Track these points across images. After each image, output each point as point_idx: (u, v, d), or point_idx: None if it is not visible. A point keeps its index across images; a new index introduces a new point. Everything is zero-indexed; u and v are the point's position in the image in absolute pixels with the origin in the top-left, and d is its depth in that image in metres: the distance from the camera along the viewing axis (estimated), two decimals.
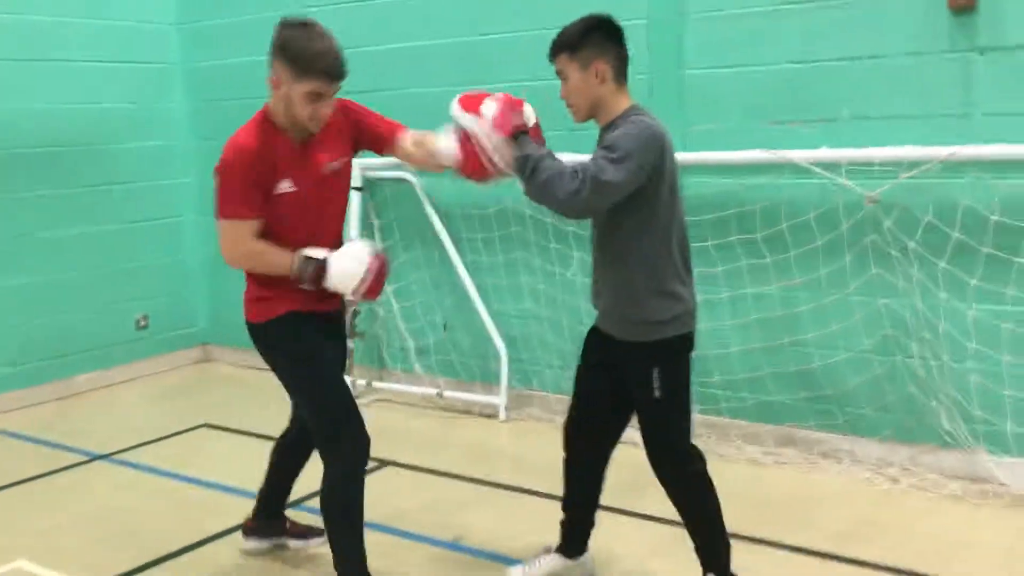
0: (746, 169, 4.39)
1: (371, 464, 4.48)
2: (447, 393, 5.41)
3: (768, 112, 4.37)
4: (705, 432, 4.66)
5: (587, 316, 4.99)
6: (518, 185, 2.86)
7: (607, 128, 2.87)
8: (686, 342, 2.93)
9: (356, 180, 5.62)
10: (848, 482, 4.14)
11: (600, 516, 3.33)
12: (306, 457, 3.50)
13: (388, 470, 4.51)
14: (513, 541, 3.66)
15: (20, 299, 5.72)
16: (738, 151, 4.35)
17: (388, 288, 5.71)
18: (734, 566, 3.08)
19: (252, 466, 4.64)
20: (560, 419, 5.06)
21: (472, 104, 2.83)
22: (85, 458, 4.77)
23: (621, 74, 2.88)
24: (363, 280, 2.97)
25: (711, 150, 4.47)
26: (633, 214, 2.79)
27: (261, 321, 3.08)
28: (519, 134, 2.80)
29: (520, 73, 4.96)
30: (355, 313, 5.69)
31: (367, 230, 5.72)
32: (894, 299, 4.10)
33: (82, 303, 6.04)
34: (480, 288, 5.31)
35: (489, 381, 5.38)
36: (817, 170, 4.13)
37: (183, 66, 6.48)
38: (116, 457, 4.77)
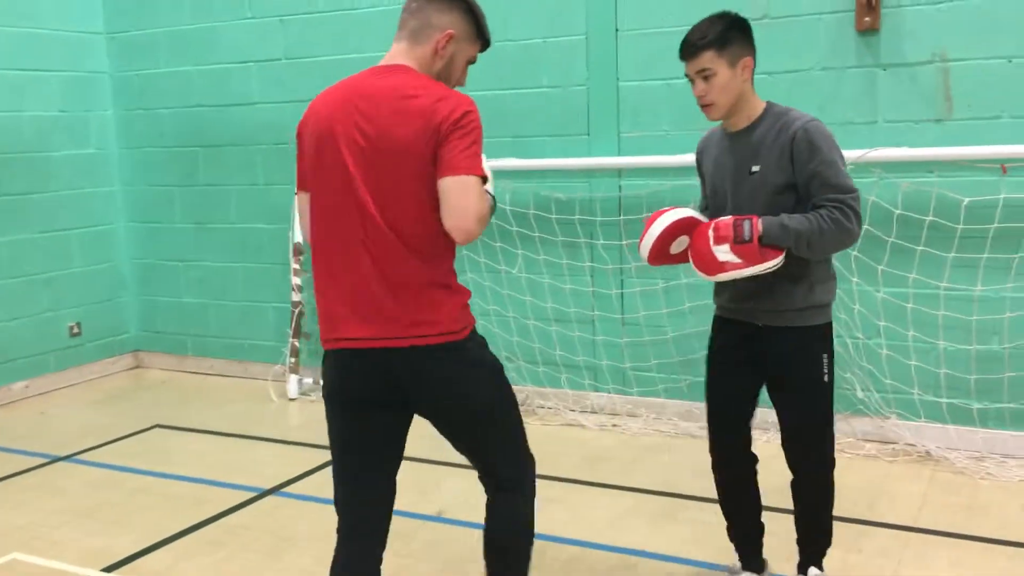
0: (677, 171, 4.85)
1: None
2: None
3: (697, 120, 4.83)
4: (644, 411, 5.11)
5: (533, 311, 5.38)
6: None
7: (749, 130, 2.88)
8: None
9: None
10: (776, 448, 4.62)
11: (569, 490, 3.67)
12: None
13: None
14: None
15: None
16: (670, 155, 4.81)
17: None
18: (695, 521, 3.51)
19: (221, 459, 4.84)
20: None
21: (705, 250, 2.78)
22: (45, 460, 4.81)
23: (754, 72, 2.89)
24: None
25: (644, 155, 4.93)
26: (801, 204, 2.80)
27: (467, 333, 2.48)
28: (740, 225, 2.75)
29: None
30: (300, 314, 5.89)
31: None
32: None
33: (15, 311, 6.01)
34: None
35: None
36: None
37: (112, 75, 6.52)
38: (78, 458, 4.84)
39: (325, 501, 4.12)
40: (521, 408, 5.33)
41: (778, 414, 3.05)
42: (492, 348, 4.30)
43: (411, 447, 5.04)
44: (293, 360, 5.89)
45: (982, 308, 4.31)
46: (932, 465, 4.33)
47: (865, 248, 4.47)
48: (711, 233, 2.77)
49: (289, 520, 3.97)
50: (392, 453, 2.56)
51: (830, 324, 2.94)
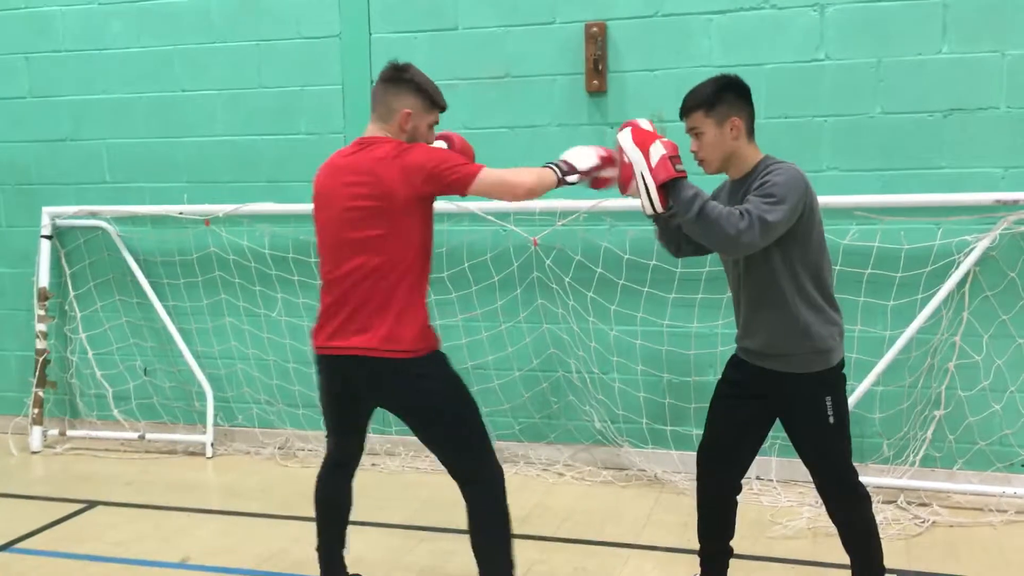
0: (439, 216, 5.06)
1: (78, 506, 4.59)
2: (149, 435, 5.51)
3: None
4: (402, 450, 5.24)
5: (293, 354, 5.41)
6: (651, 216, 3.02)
7: (743, 180, 3.03)
8: (843, 366, 3.08)
9: (46, 228, 5.62)
10: (524, 479, 4.90)
11: None
12: (351, 491, 3.42)
13: (98, 509, 4.59)
14: (235, 555, 3.96)
15: None
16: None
17: (81, 336, 5.73)
18: (435, 551, 3.63)
19: None
20: (266, 451, 5.44)
21: (642, 139, 2.94)
22: None
23: (751, 129, 3.04)
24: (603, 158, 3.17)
25: None
26: (791, 251, 2.93)
27: (428, 352, 3.17)
28: (676, 180, 2.90)
29: (216, 129, 5.33)
30: (45, 362, 5.62)
31: (57, 279, 5.68)
32: (555, 324, 4.97)
33: None
34: (183, 331, 5.51)
35: (193, 421, 5.57)
36: (491, 218, 4.92)
37: None
38: None
39: (60, 555, 4.00)
40: (281, 451, 5.36)
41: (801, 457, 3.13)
42: (252, 392, 4.45)
43: (157, 498, 4.95)
44: (36, 411, 5.60)
45: (699, 343, 4.78)
46: (659, 488, 4.72)
47: (599, 289, 4.86)
48: (659, 135, 2.95)
49: None
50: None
51: (835, 368, 3.02)
